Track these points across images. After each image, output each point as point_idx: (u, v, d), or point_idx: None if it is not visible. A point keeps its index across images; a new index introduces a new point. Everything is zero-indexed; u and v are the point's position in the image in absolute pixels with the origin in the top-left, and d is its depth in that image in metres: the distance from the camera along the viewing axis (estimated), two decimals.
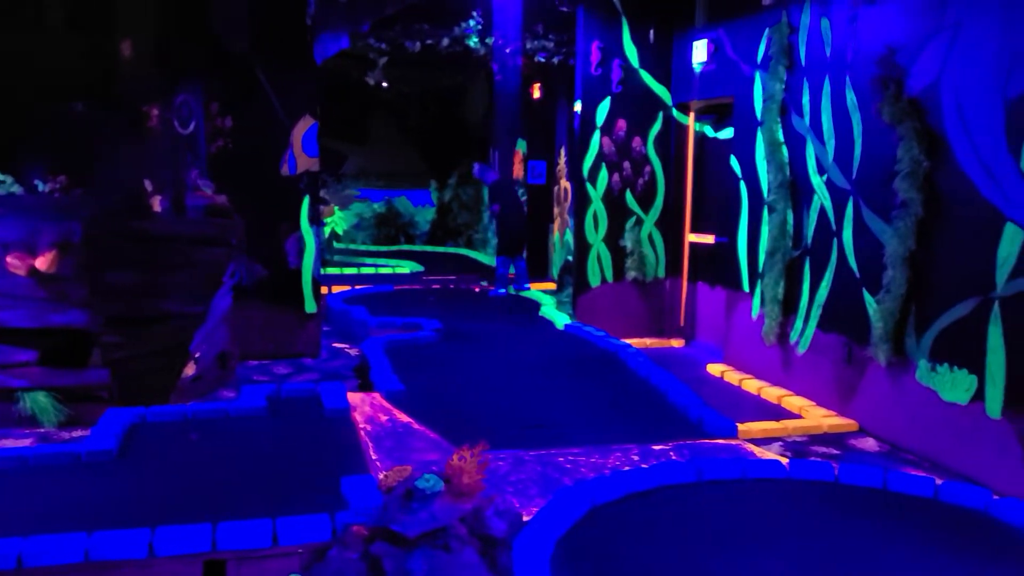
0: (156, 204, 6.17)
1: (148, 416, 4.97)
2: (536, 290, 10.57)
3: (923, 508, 3.81)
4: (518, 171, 12.66)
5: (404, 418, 5.21)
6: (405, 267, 12.82)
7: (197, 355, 5.94)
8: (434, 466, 3.49)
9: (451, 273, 12.63)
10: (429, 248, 15.67)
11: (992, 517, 3.71)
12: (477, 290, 11.30)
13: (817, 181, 5.86)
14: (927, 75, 4.78)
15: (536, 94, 12.72)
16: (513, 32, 10.46)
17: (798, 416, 5.71)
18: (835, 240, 5.67)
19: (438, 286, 11.58)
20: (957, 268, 4.62)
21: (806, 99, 5.99)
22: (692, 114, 8.17)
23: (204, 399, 5.84)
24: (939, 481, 4.00)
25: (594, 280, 8.43)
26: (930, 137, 4.76)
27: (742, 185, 6.93)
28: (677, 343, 8.35)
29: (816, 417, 5.62)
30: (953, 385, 4.66)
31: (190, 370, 5.88)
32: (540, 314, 8.95)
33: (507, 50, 10.54)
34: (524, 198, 12.15)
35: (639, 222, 8.40)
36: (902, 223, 4.91)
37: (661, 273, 8.51)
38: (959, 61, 4.54)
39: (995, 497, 3.82)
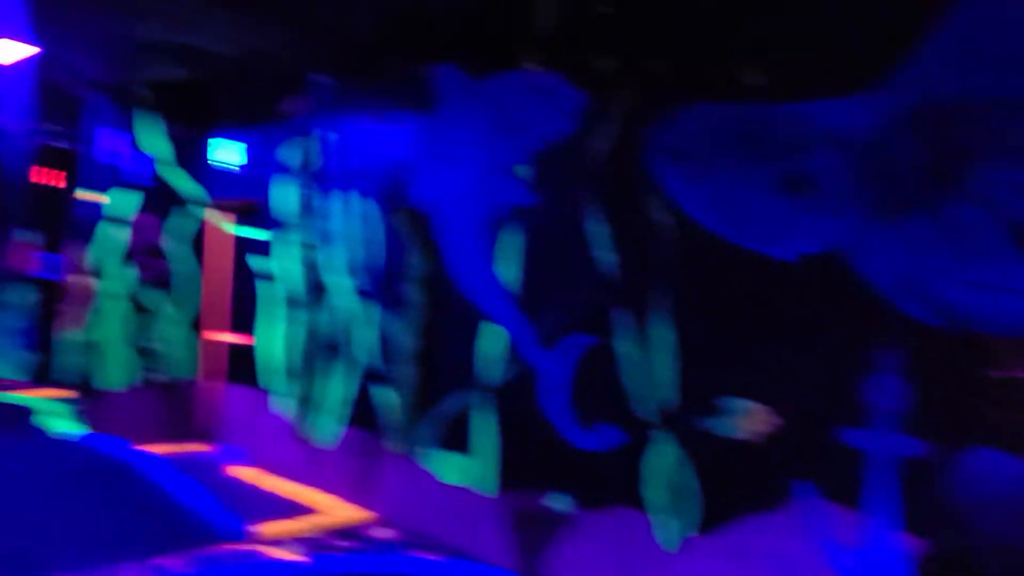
0: None
1: None
2: (36, 397, 9.17)
3: None
4: (29, 263, 11.07)
5: None
6: None
7: None
8: None
9: None
10: None
11: None
12: None
13: (340, 282, 6.14)
14: (426, 191, 5.42)
15: (60, 183, 11.40)
16: (21, 113, 9.36)
17: (316, 512, 5.75)
18: (354, 337, 5.96)
19: None
20: (453, 362, 5.17)
21: (326, 205, 6.30)
22: (228, 213, 8.04)
23: None
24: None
25: (114, 382, 7.66)
26: (430, 244, 5.37)
27: (269, 285, 6.96)
28: (204, 447, 7.89)
29: (336, 511, 5.72)
30: (456, 469, 5.12)
31: None
32: (34, 423, 7.80)
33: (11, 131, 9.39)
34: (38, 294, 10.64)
35: (166, 320, 7.90)
36: (411, 322, 5.41)
37: (190, 374, 8.05)
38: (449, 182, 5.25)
39: None
